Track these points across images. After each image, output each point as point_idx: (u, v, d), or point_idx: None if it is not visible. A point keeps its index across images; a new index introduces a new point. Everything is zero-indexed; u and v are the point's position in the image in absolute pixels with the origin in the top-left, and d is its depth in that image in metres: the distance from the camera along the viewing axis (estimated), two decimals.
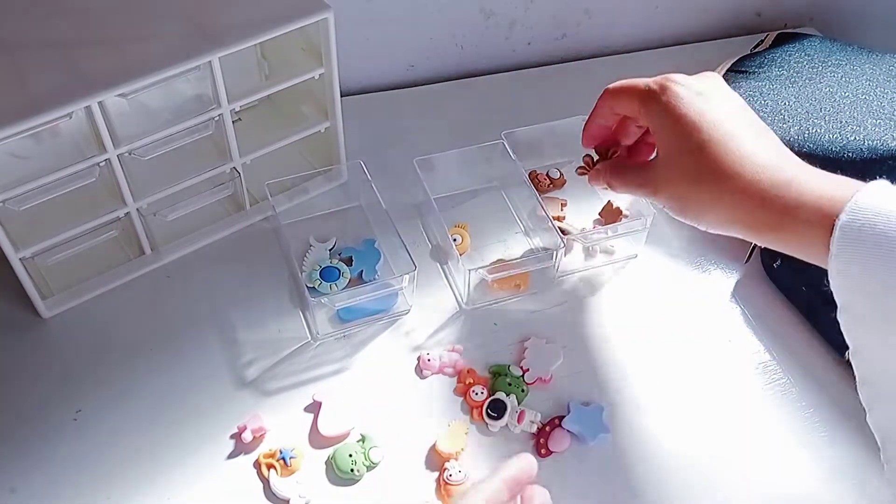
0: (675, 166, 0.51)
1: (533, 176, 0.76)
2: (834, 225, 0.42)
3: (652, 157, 0.59)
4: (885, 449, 0.44)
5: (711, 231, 0.52)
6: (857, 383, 0.44)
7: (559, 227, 0.71)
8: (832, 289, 0.43)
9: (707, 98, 0.51)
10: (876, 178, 0.67)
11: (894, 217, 0.40)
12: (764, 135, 0.51)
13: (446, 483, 0.56)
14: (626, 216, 0.71)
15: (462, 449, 0.58)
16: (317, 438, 0.58)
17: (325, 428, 0.58)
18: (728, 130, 0.49)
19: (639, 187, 0.56)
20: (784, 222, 0.45)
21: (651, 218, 0.68)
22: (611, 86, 0.56)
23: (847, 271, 0.42)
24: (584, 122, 0.60)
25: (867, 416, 0.44)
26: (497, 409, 0.59)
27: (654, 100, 0.52)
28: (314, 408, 0.60)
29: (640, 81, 0.54)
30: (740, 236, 0.50)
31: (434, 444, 0.58)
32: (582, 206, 0.75)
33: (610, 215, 0.72)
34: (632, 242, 0.71)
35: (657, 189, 0.53)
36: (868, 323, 0.42)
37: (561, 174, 0.77)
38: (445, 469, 0.56)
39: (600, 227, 0.71)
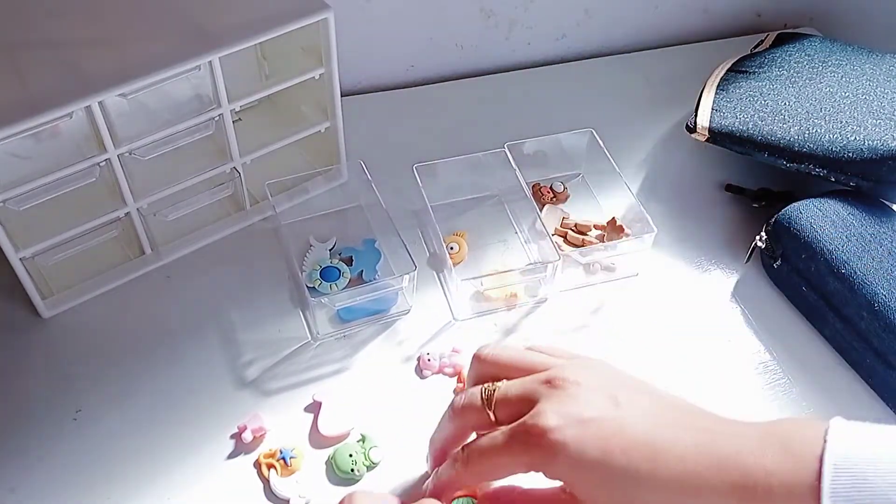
0: None
1: (536, 189, 0.76)
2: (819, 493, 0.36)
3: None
4: None
5: None
6: None
7: (567, 240, 0.71)
8: None
9: (596, 421, 0.42)
10: (873, 181, 0.68)
11: (874, 466, 0.36)
12: (681, 415, 0.43)
13: None
14: (627, 234, 0.71)
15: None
16: (317, 438, 0.58)
17: (326, 428, 0.58)
18: (643, 448, 0.41)
19: None
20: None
21: (653, 236, 0.68)
22: (467, 458, 0.46)
23: None
24: (433, 486, 0.49)
25: None
26: None
27: (546, 464, 0.43)
28: (314, 408, 0.60)
29: (500, 443, 0.44)
30: None
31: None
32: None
33: (612, 232, 0.72)
34: (633, 260, 0.70)
35: None
36: None
37: (565, 188, 0.76)
38: None
39: (600, 243, 0.70)
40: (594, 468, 0.41)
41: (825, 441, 0.38)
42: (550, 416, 0.42)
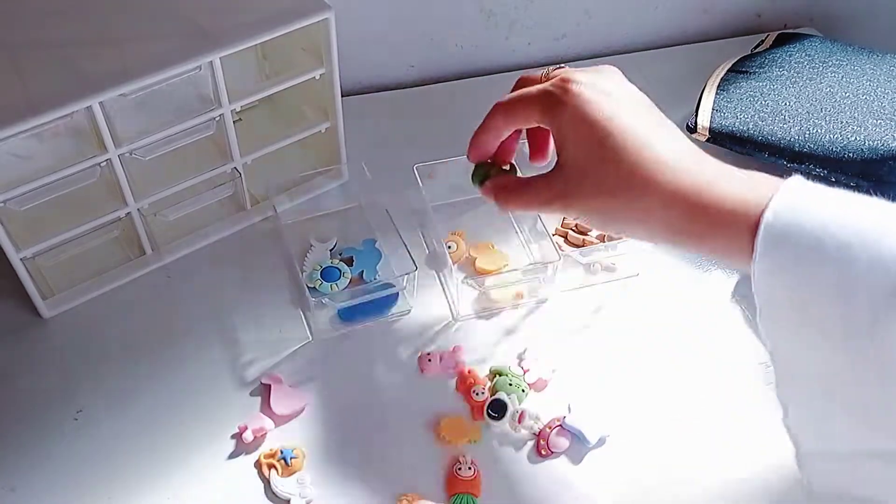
0: (588, 178, 0.47)
1: None
2: (757, 228, 0.40)
3: (545, 164, 0.54)
4: (797, 451, 0.44)
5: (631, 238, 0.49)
6: (775, 384, 0.43)
7: (567, 240, 0.71)
8: (754, 292, 0.42)
9: (615, 99, 0.47)
10: (873, 181, 0.68)
11: (814, 217, 0.39)
12: (676, 135, 0.48)
13: (455, 476, 0.56)
14: None
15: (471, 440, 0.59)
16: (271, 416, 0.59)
17: (278, 407, 0.59)
18: (642, 135, 0.46)
19: (546, 203, 0.50)
20: (707, 230, 0.43)
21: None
22: (502, 99, 0.52)
23: (769, 274, 0.41)
24: (473, 136, 0.55)
25: (783, 416, 0.44)
26: (498, 410, 0.59)
27: (559, 105, 0.47)
28: (263, 390, 0.61)
29: (535, 88, 0.50)
30: (663, 244, 0.47)
31: (439, 430, 0.58)
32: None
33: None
34: (633, 260, 0.70)
35: (568, 204, 0.48)
36: (788, 326, 0.41)
37: None
38: (457, 462, 0.56)
39: (601, 243, 0.70)
40: (592, 124, 0.46)
41: (776, 191, 0.41)
42: (582, 75, 0.49)
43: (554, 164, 0.49)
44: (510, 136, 0.54)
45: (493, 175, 0.55)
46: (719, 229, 0.42)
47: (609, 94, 0.47)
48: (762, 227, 0.40)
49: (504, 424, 0.59)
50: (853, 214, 0.39)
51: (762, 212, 0.40)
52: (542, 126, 0.51)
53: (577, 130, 0.47)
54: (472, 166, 0.56)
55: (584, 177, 0.47)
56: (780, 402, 0.44)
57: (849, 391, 0.40)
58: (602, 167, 0.46)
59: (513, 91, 0.53)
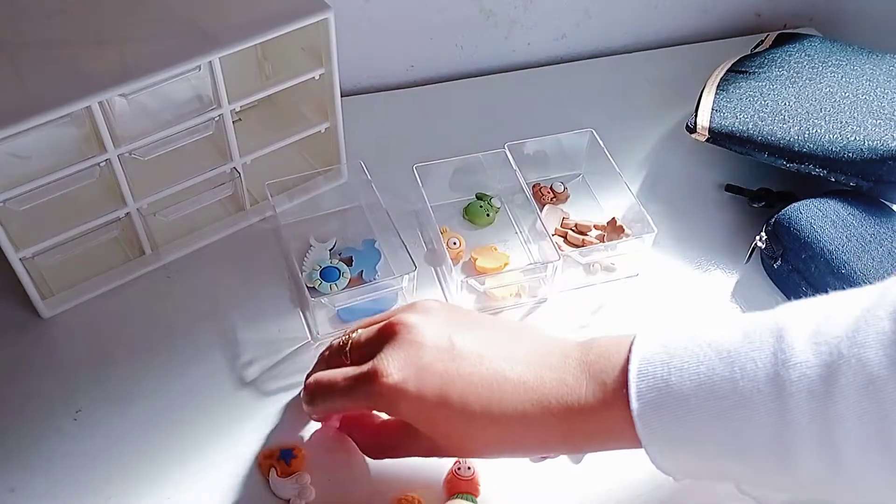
0: (459, 445, 0.48)
1: (536, 189, 0.76)
2: (632, 417, 0.41)
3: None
4: None
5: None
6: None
7: (567, 240, 0.71)
8: (661, 470, 0.43)
9: (429, 367, 0.46)
10: (873, 181, 0.68)
11: (675, 374, 0.41)
12: (504, 342, 0.48)
13: (455, 476, 0.56)
14: (627, 234, 0.71)
15: None
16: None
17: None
18: (478, 387, 0.45)
19: (424, 456, 0.50)
20: (594, 443, 0.45)
21: (653, 237, 0.68)
22: (313, 391, 0.51)
23: (664, 452, 0.42)
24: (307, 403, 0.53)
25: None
26: None
27: (391, 408, 0.47)
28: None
29: (344, 383, 0.48)
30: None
31: None
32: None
33: (612, 232, 0.72)
34: (633, 260, 0.70)
35: (453, 457, 0.50)
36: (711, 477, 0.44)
37: (565, 188, 0.76)
38: (456, 463, 0.56)
39: (600, 243, 0.70)
40: (433, 410, 0.46)
41: (628, 356, 0.43)
42: (391, 364, 0.46)
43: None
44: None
45: None
46: (599, 436, 0.44)
47: (424, 368, 0.46)
48: (635, 418, 0.41)
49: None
50: (702, 360, 0.41)
51: (625, 401, 0.41)
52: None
53: (419, 419, 0.47)
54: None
55: (454, 445, 0.48)
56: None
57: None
58: (467, 437, 0.46)
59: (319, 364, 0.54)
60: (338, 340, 0.52)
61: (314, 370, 0.55)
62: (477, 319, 0.51)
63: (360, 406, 0.50)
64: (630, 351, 0.43)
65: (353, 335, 0.52)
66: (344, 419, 0.57)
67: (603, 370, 0.43)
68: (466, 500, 0.55)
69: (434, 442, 0.48)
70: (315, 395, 0.51)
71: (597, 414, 0.43)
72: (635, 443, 0.42)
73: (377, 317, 0.53)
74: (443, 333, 0.47)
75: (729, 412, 0.39)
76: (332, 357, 0.52)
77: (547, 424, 0.44)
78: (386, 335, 0.48)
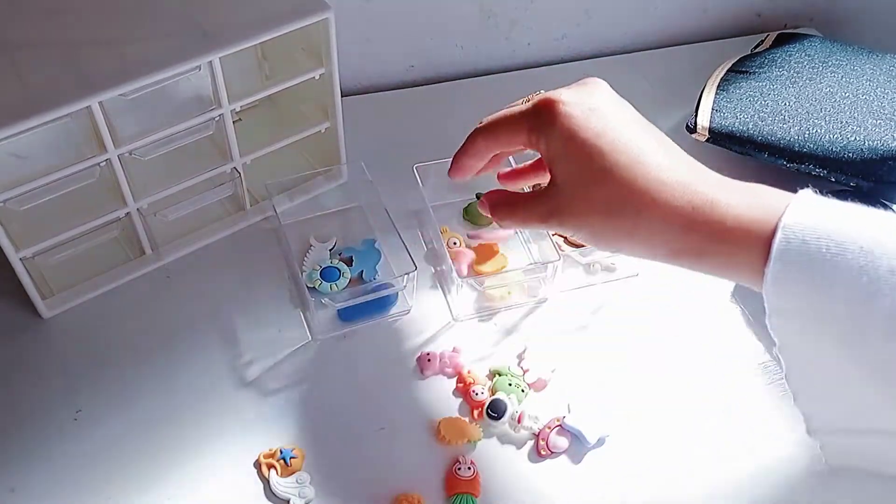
0: (581, 198, 0.46)
1: (536, 189, 0.76)
2: (770, 246, 0.40)
3: (542, 183, 0.54)
4: (808, 426, 0.45)
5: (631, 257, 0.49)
6: (785, 375, 0.44)
7: (567, 240, 0.71)
8: (764, 296, 0.41)
9: (601, 114, 0.46)
10: (873, 181, 0.68)
11: (831, 225, 0.39)
12: (670, 148, 0.47)
13: (455, 476, 0.56)
14: None
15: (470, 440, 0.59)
16: None
17: None
18: (633, 151, 0.45)
19: (540, 220, 0.49)
20: (708, 248, 0.43)
21: None
22: (483, 124, 0.52)
23: (782, 280, 0.40)
24: (454, 157, 0.55)
25: (794, 400, 0.44)
26: (497, 410, 0.59)
27: (546, 126, 0.47)
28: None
29: (517, 110, 0.49)
30: (663, 261, 0.46)
31: (438, 430, 0.59)
32: None
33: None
34: (633, 260, 0.70)
35: (563, 220, 0.48)
36: (801, 330, 0.41)
37: None
38: (457, 462, 0.57)
39: None
40: (582, 143, 0.45)
41: (791, 200, 0.42)
42: (566, 93, 0.47)
43: (548, 182, 0.49)
44: (493, 160, 0.54)
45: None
46: (723, 243, 0.42)
47: (595, 110, 0.46)
48: (779, 233, 0.40)
49: (503, 425, 0.59)
50: (870, 221, 0.39)
51: (777, 222, 0.40)
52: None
53: (566, 149, 0.46)
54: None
55: (577, 195, 0.46)
56: (790, 388, 0.44)
57: (863, 387, 0.40)
58: (594, 186, 0.45)
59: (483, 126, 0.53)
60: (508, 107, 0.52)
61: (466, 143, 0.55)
62: (659, 132, 0.49)
63: (524, 127, 0.48)
64: (797, 195, 0.42)
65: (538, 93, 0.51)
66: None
67: (764, 194, 0.43)
68: (467, 500, 0.55)
69: (558, 200, 0.47)
70: (489, 121, 0.52)
71: (736, 219, 0.42)
72: (754, 270, 0.41)
73: None
74: (625, 106, 0.48)
75: (881, 275, 0.37)
76: (510, 111, 0.51)
77: (677, 205, 0.43)
78: (578, 83, 0.49)
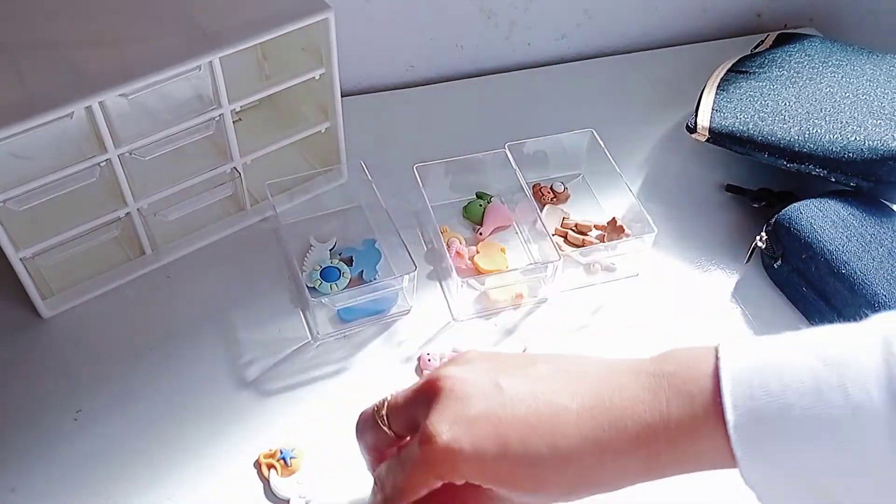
0: (536, 495, 0.41)
1: (536, 189, 0.76)
2: (726, 430, 0.36)
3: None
4: None
5: None
6: None
7: (567, 240, 0.71)
8: (751, 487, 0.37)
9: (481, 419, 0.40)
10: (873, 181, 0.68)
11: (774, 380, 0.36)
12: (558, 377, 0.42)
13: None
14: (628, 234, 0.71)
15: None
16: None
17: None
18: (538, 427, 0.40)
19: None
20: (675, 461, 0.39)
21: (653, 237, 0.68)
22: (383, 486, 0.45)
23: (759, 463, 0.37)
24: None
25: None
26: None
27: (451, 472, 0.41)
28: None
29: (410, 469, 0.42)
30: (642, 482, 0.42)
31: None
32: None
33: (612, 232, 0.72)
34: (633, 260, 0.70)
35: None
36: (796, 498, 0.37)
37: (565, 188, 0.76)
38: None
39: (601, 243, 0.70)
40: (497, 462, 0.40)
41: (716, 363, 0.37)
42: (439, 424, 0.41)
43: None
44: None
45: None
46: (684, 453, 0.39)
47: (476, 420, 0.41)
48: (730, 430, 0.36)
49: None
50: (800, 364, 0.36)
51: (719, 400, 0.36)
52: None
53: (485, 478, 0.41)
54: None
55: (532, 497, 0.42)
56: None
57: None
58: (540, 485, 0.41)
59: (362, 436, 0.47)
60: (370, 407, 0.47)
61: (360, 442, 0.49)
62: (524, 359, 0.45)
63: (423, 479, 0.42)
64: (717, 357, 0.38)
65: (389, 397, 0.46)
66: None
67: (687, 381, 0.38)
68: None
69: (510, 501, 0.43)
70: (388, 488, 0.45)
71: (683, 430, 0.38)
72: (727, 459, 0.37)
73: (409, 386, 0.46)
74: (488, 379, 0.42)
75: (840, 423, 0.34)
76: (367, 426, 0.47)
77: (624, 451, 0.39)
78: (427, 393, 0.43)
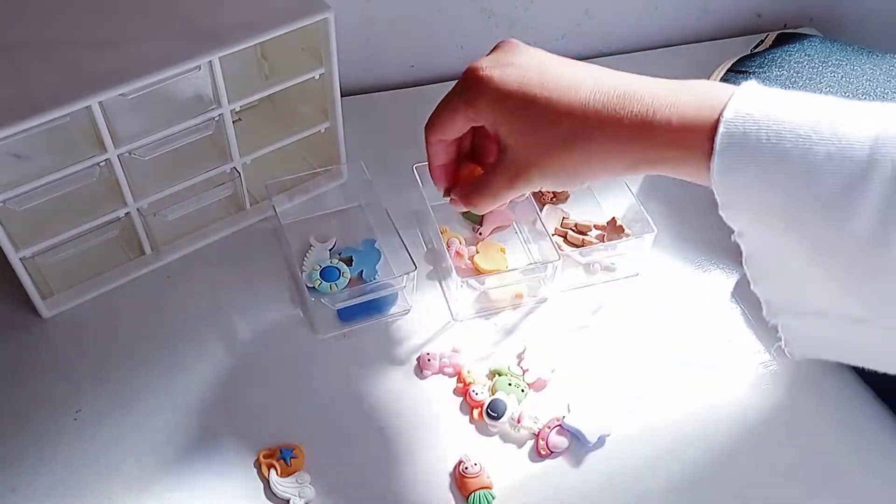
0: (534, 149, 0.47)
1: None
2: (714, 131, 0.40)
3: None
4: (768, 310, 0.45)
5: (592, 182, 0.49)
6: (743, 259, 0.44)
7: (567, 240, 0.71)
8: (714, 189, 0.42)
9: (520, 65, 0.48)
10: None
11: (771, 114, 0.39)
12: (598, 69, 0.47)
13: (463, 475, 0.56)
14: (627, 234, 0.71)
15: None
16: None
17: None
18: (563, 83, 0.46)
19: (509, 186, 0.50)
20: (661, 154, 0.43)
21: (653, 237, 0.68)
22: (427, 123, 0.53)
23: (728, 171, 0.41)
24: (430, 172, 0.56)
25: (752, 286, 0.45)
26: (497, 410, 0.59)
27: (475, 96, 0.48)
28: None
29: (446, 97, 0.51)
30: (625, 176, 0.49)
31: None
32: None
33: (612, 232, 0.72)
34: (633, 260, 0.70)
35: (528, 176, 0.48)
36: (751, 217, 0.42)
37: None
38: (461, 463, 0.57)
39: (600, 243, 0.70)
40: (511, 96, 0.47)
41: (732, 94, 0.41)
42: (482, 60, 0.49)
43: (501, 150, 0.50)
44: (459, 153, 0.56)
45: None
46: (673, 147, 0.43)
47: (512, 65, 0.48)
48: (721, 125, 0.40)
49: (503, 425, 0.59)
50: (808, 108, 0.39)
51: (719, 115, 0.40)
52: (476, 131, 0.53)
53: (502, 109, 0.48)
54: None
55: (530, 148, 0.47)
56: (748, 274, 0.44)
57: (809, 270, 0.41)
58: (540, 132, 0.46)
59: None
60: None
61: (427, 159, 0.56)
62: (571, 61, 0.50)
63: (459, 107, 0.50)
64: (740, 86, 0.42)
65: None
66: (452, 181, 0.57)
67: (702, 91, 0.42)
68: (484, 496, 0.55)
69: (515, 160, 0.48)
70: (429, 120, 0.52)
71: (681, 119, 0.42)
72: (703, 166, 0.41)
73: None
74: (537, 52, 0.49)
75: (818, 162, 0.38)
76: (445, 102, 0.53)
77: (622, 119, 0.43)
78: (493, 48, 0.51)
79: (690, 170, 0.43)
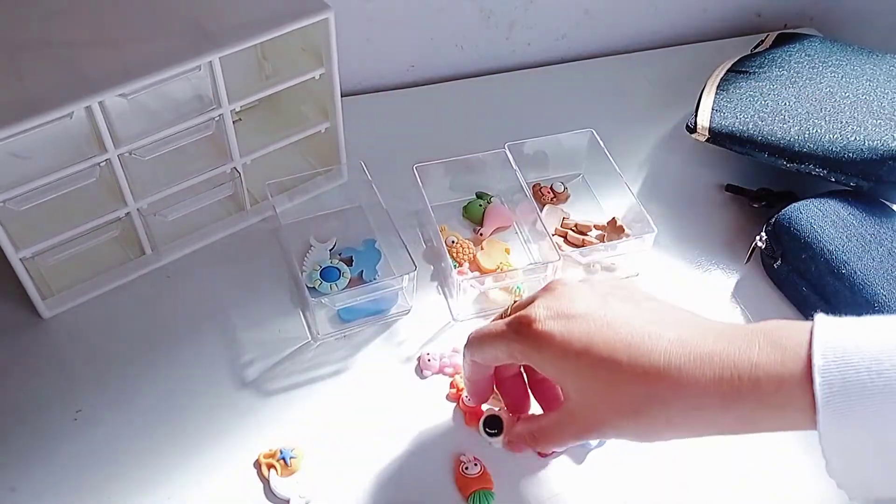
0: (604, 408, 0.44)
1: (536, 189, 0.76)
2: (810, 379, 0.37)
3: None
4: (845, 491, 0.41)
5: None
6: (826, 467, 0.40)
7: (567, 240, 0.71)
8: (821, 445, 0.38)
9: (582, 319, 0.44)
10: (873, 181, 0.68)
11: (862, 368, 0.36)
12: (669, 314, 0.44)
13: (463, 475, 0.56)
14: (627, 234, 0.71)
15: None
16: None
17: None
18: (635, 339, 0.42)
19: (577, 437, 0.47)
20: (755, 415, 0.40)
21: (653, 237, 0.68)
22: (470, 341, 0.51)
23: (837, 422, 0.37)
24: (467, 388, 0.55)
25: (826, 467, 0.41)
26: (495, 426, 0.57)
27: (529, 350, 0.46)
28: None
29: (496, 329, 0.48)
30: (716, 435, 0.43)
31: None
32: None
33: (612, 232, 0.72)
34: (633, 261, 0.70)
35: (601, 432, 0.46)
36: (866, 467, 0.38)
37: (565, 188, 0.76)
38: (461, 463, 0.56)
39: (601, 243, 0.70)
40: (578, 357, 0.43)
41: (811, 332, 0.38)
42: (540, 309, 0.46)
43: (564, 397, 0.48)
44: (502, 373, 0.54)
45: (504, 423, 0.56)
46: (768, 407, 0.39)
47: (574, 317, 0.44)
48: (816, 379, 0.36)
49: (501, 440, 0.58)
50: (889, 334, 0.37)
51: (810, 366, 0.37)
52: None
53: (564, 369, 0.45)
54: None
55: (599, 407, 0.44)
56: (830, 476, 0.41)
57: None
58: (610, 393, 0.43)
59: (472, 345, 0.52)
60: (493, 321, 0.52)
61: (465, 366, 0.54)
62: (636, 293, 0.48)
63: (510, 351, 0.47)
64: (813, 323, 0.39)
65: (514, 302, 0.51)
66: (507, 401, 0.56)
67: (782, 336, 0.39)
68: (485, 496, 0.55)
69: (584, 416, 0.45)
70: (472, 342, 0.50)
71: (769, 376, 0.38)
72: (808, 415, 0.37)
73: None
74: (599, 294, 0.46)
75: None
76: (492, 330, 0.50)
77: (704, 385, 0.40)
78: (545, 290, 0.48)
79: (795, 424, 0.39)
